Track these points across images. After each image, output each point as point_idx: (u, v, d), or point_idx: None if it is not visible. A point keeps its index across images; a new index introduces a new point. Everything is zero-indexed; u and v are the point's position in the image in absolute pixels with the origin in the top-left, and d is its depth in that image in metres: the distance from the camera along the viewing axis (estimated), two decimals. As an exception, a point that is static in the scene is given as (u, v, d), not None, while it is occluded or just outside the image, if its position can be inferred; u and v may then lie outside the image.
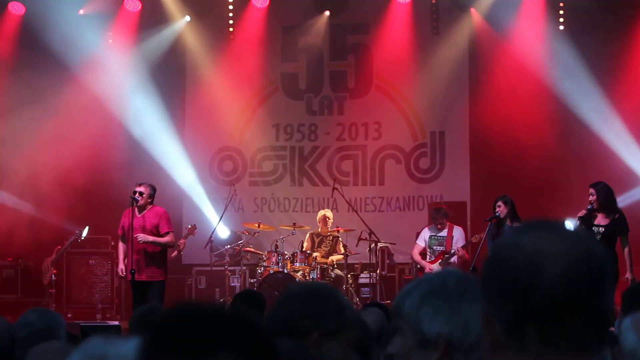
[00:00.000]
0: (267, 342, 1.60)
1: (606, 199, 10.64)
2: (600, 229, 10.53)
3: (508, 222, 11.07)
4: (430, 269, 12.41)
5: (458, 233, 12.71)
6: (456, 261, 12.55)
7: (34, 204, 15.15)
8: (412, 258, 13.16)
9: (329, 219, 14.13)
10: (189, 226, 14.09)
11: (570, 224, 12.93)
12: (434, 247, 12.64)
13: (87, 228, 14.57)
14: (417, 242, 12.88)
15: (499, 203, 11.27)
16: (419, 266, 12.75)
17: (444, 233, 12.63)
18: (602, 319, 1.62)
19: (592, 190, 10.71)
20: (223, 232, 14.96)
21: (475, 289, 2.12)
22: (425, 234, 12.78)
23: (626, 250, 10.57)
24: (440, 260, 12.44)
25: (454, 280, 2.19)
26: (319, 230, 14.19)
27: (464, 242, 12.64)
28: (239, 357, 1.54)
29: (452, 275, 2.22)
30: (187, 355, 1.53)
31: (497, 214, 11.39)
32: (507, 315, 1.62)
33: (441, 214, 12.78)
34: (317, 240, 14.18)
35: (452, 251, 12.45)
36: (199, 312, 1.60)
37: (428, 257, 12.67)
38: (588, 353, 1.60)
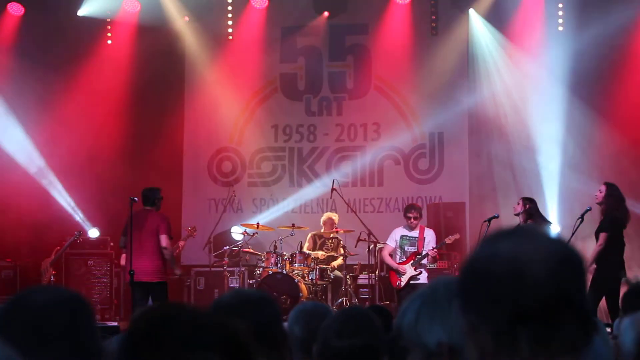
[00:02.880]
0: (244, 342, 1.62)
1: (613, 201, 10.60)
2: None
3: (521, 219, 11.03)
4: (403, 270, 12.37)
5: (430, 235, 12.64)
6: (428, 262, 12.54)
7: (34, 203, 15.14)
8: (382, 259, 13.05)
9: (334, 221, 14.14)
10: (189, 228, 14.06)
11: (555, 228, 12.97)
12: (406, 248, 12.54)
13: (95, 230, 14.72)
14: (388, 242, 12.74)
15: (519, 201, 11.27)
16: (392, 268, 12.62)
17: (416, 234, 12.55)
18: (586, 313, 1.63)
19: (602, 188, 10.67)
20: (237, 234, 14.92)
21: None
22: (396, 234, 12.66)
23: (595, 246, 10.42)
24: (412, 261, 12.37)
25: (442, 287, 2.18)
26: (322, 231, 14.20)
27: (435, 244, 12.56)
28: (217, 356, 1.56)
29: (440, 282, 2.23)
30: (166, 354, 1.55)
31: (496, 215, 11.40)
32: (494, 322, 1.62)
33: (416, 208, 12.72)
34: (319, 242, 14.20)
35: (424, 252, 12.38)
36: (177, 312, 1.61)
37: (398, 257, 12.53)
38: (578, 351, 1.61)
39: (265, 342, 2.68)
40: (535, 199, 11.53)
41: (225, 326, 1.61)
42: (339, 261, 13.89)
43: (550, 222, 11.72)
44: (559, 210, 14.43)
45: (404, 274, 12.33)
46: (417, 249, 12.43)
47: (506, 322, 1.61)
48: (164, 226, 11.35)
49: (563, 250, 1.65)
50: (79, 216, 15.35)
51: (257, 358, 2.37)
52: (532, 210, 11.19)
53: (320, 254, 13.87)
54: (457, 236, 12.69)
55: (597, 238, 10.50)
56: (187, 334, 1.56)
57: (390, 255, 12.62)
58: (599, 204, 10.65)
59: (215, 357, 1.56)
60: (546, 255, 1.62)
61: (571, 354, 1.61)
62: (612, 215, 10.56)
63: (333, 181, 14.43)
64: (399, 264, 12.42)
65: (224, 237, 14.96)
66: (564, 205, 14.48)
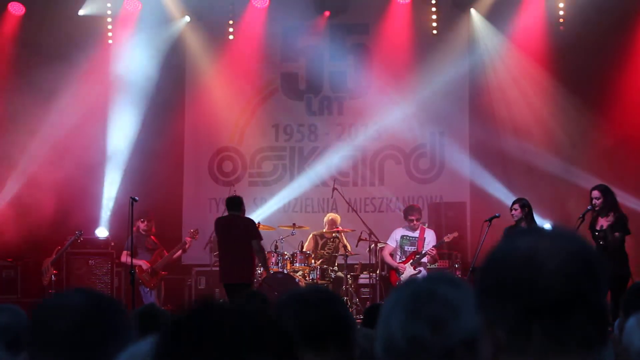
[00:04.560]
0: (290, 341, 1.60)
1: (612, 201, 10.63)
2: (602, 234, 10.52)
3: (523, 224, 11.01)
4: (403, 269, 12.40)
5: (430, 235, 12.68)
6: (427, 261, 12.56)
7: (35, 204, 15.16)
8: (383, 258, 13.10)
9: (336, 222, 14.15)
10: (191, 230, 14.03)
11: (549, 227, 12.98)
12: (406, 248, 12.58)
13: (102, 229, 14.83)
14: (388, 242, 12.81)
15: (515, 206, 11.22)
16: (392, 267, 12.67)
17: (416, 234, 12.59)
18: (602, 314, 1.63)
19: (596, 194, 10.66)
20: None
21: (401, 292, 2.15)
22: (397, 234, 12.72)
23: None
24: (412, 260, 12.41)
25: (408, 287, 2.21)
26: (323, 231, 14.21)
27: (435, 243, 12.60)
28: (263, 357, 1.53)
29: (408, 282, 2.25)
30: (209, 356, 1.51)
31: (497, 215, 11.39)
32: (508, 317, 1.63)
33: (416, 210, 12.78)
34: (320, 242, 14.20)
35: (423, 252, 12.41)
36: (221, 311, 1.57)
37: (398, 257, 12.58)
38: (591, 349, 1.62)
39: (334, 338, 2.72)
40: (527, 199, 11.57)
41: (277, 326, 1.59)
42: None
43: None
44: (554, 207, 14.43)
45: (403, 273, 12.37)
46: (417, 248, 12.47)
47: (519, 316, 1.62)
48: (256, 231, 11.82)
49: (580, 249, 1.66)
50: (104, 214, 15.40)
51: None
52: (531, 214, 11.23)
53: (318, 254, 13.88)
54: (455, 234, 12.72)
55: (607, 238, 10.50)
56: (231, 336, 1.53)
57: (391, 255, 12.66)
58: (600, 209, 10.62)
59: (267, 358, 1.54)
60: (563, 252, 1.63)
61: (585, 351, 1.61)
62: (623, 215, 10.62)
63: (334, 181, 14.44)
64: (398, 263, 12.45)
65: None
66: (560, 201, 14.49)
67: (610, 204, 10.62)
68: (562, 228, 1.72)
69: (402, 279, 12.34)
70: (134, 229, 12.77)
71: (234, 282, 11.53)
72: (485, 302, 1.68)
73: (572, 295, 1.60)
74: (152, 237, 13.65)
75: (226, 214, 12.19)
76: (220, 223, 12.00)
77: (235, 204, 11.97)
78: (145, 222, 13.32)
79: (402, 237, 12.62)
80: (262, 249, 11.85)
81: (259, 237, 11.75)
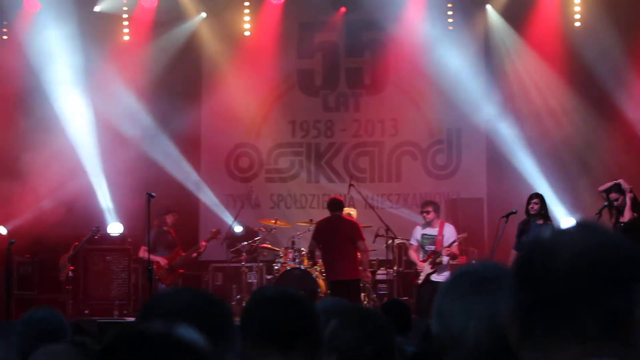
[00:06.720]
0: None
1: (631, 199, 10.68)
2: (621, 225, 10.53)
3: (540, 221, 11.01)
4: (420, 268, 12.38)
5: (449, 231, 12.59)
6: (447, 261, 12.45)
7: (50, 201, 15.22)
8: (410, 257, 13.10)
9: (352, 217, 14.11)
10: (213, 230, 14.02)
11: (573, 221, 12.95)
12: (426, 247, 12.51)
13: (117, 224, 14.93)
14: (411, 241, 12.78)
15: (536, 200, 11.20)
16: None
17: (435, 232, 12.50)
18: (609, 314, 1.59)
19: (615, 196, 10.69)
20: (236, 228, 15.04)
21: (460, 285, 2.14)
22: (417, 233, 12.65)
23: None
24: (430, 260, 12.36)
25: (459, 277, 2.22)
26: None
27: (455, 239, 12.55)
28: None
29: (457, 272, 2.27)
30: None
31: (514, 211, 11.36)
32: (521, 307, 1.63)
33: (428, 203, 12.79)
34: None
35: (440, 251, 12.35)
36: (144, 336, 1.59)
37: (421, 256, 12.56)
38: (589, 344, 1.59)
39: (301, 338, 2.72)
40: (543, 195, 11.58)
41: (189, 349, 1.58)
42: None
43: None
44: (570, 203, 14.41)
45: (421, 272, 12.36)
46: (436, 246, 12.40)
47: (527, 307, 1.62)
48: (360, 233, 12.35)
49: (596, 243, 1.62)
50: (119, 210, 15.44)
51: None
52: (547, 209, 11.27)
53: None
54: (464, 235, 12.69)
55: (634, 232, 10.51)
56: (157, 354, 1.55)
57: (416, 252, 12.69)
58: (622, 207, 10.66)
59: None
60: (574, 245, 1.61)
61: (586, 346, 1.58)
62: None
63: (350, 177, 14.43)
64: (420, 261, 12.44)
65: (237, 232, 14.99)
66: (576, 198, 14.47)
67: (631, 202, 10.67)
68: (594, 225, 1.68)
69: (420, 277, 12.34)
70: (156, 223, 12.82)
71: (341, 279, 12.01)
72: (513, 291, 1.68)
73: (572, 291, 1.58)
74: (172, 232, 13.70)
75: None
76: (324, 224, 12.41)
77: (338, 205, 12.46)
78: (176, 216, 13.51)
79: (423, 235, 12.55)
80: (367, 250, 12.40)
81: (363, 238, 12.33)
